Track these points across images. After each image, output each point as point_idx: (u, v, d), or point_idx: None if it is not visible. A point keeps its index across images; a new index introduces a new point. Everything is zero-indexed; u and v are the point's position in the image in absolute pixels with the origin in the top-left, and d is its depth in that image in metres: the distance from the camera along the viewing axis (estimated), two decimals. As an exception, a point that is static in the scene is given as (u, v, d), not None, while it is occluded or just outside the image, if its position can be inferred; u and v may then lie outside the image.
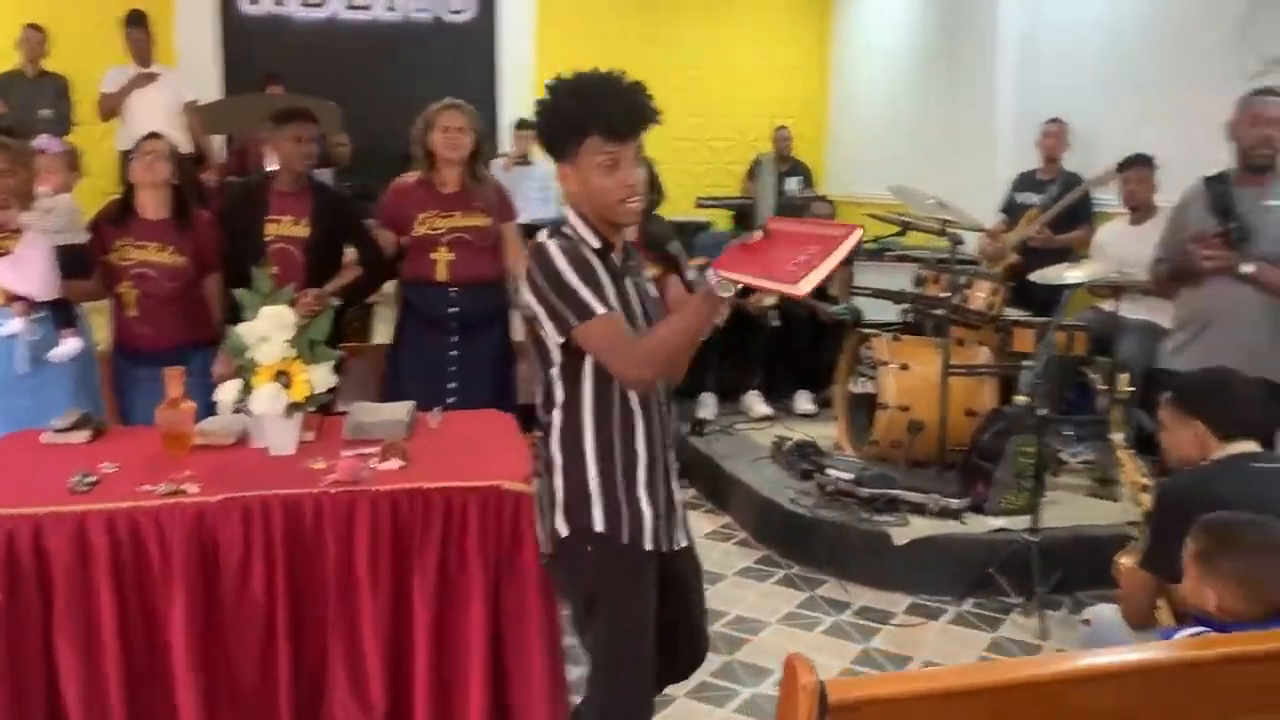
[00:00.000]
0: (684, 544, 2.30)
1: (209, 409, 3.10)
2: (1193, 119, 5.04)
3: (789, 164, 8.45)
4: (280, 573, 2.60)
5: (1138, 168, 5.00)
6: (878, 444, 4.69)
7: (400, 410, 3.31)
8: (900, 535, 4.05)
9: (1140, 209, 4.96)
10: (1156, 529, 2.29)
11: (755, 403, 5.92)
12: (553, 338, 2.11)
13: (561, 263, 2.06)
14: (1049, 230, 5.62)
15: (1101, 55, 5.88)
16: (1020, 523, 4.12)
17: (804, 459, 4.77)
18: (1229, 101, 4.91)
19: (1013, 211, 5.93)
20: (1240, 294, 3.45)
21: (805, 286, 1.77)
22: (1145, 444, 4.58)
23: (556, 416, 2.17)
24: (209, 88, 7.53)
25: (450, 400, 3.76)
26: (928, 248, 6.13)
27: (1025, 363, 3.95)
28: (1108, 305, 4.91)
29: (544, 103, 2.08)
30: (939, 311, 4.82)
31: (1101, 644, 2.48)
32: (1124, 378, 3.23)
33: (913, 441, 4.62)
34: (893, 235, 5.57)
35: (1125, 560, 2.69)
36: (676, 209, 8.31)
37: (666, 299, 2.37)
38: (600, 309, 2.03)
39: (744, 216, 7.70)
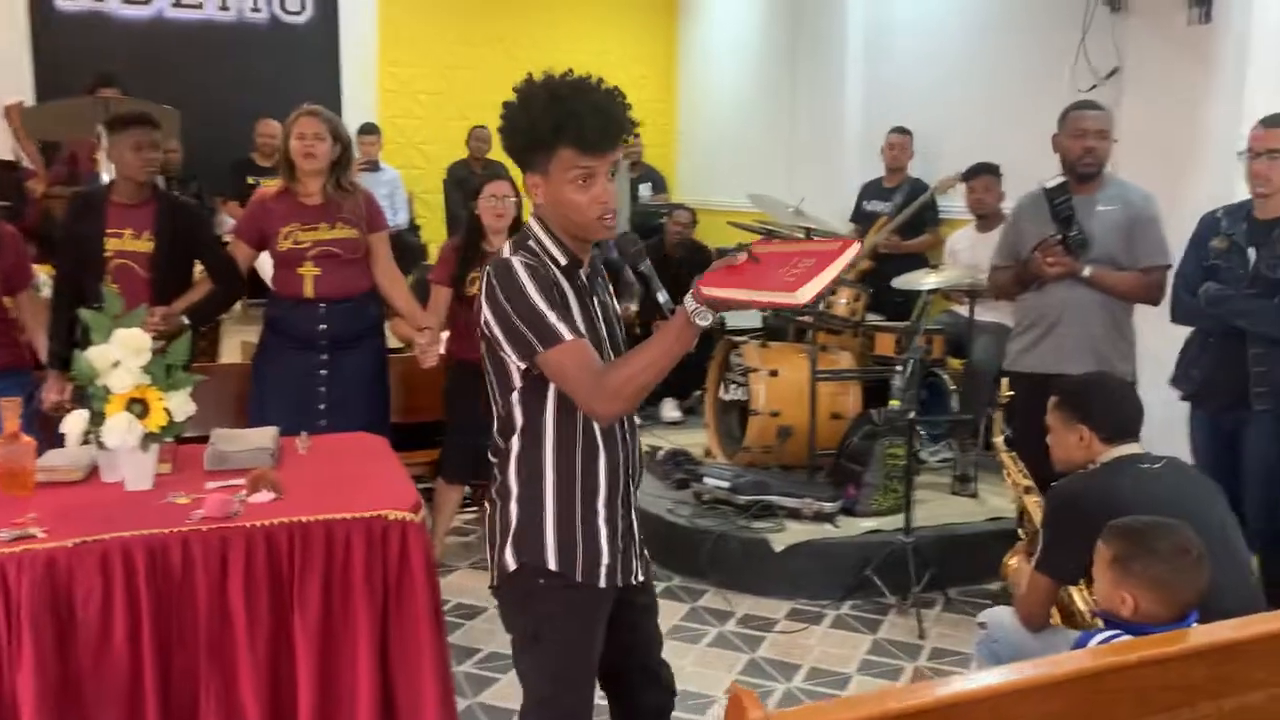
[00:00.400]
0: (642, 578, 2.18)
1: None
2: (1033, 128, 5.26)
3: (640, 170, 8.45)
4: (146, 623, 2.37)
5: (983, 176, 5.19)
6: (749, 450, 4.71)
7: (265, 436, 3.10)
8: (779, 541, 4.07)
9: (988, 216, 5.14)
10: (1053, 533, 2.35)
11: (619, 413, 5.87)
12: (514, 361, 1.97)
13: (527, 283, 1.91)
14: (898, 237, 5.78)
15: (947, 65, 6.09)
16: (890, 523, 4.21)
17: (678, 468, 4.75)
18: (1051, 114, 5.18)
19: (862, 219, 6.08)
20: (1080, 295, 3.64)
21: (805, 294, 1.66)
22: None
23: (514, 443, 2.04)
24: (20, 89, 6.97)
25: (321, 423, 3.55)
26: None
27: (896, 367, 4.02)
28: (962, 309, 5.07)
29: (512, 108, 1.94)
30: (804, 318, 4.89)
31: (1001, 647, 2.53)
32: (1004, 382, 3.31)
33: (783, 446, 4.66)
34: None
35: (1013, 561, 2.76)
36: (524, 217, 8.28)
37: None
38: (568, 335, 1.89)
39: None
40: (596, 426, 2.02)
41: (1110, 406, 2.44)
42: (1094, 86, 4.98)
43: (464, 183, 6.58)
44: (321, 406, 3.70)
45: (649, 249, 6.47)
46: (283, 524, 2.52)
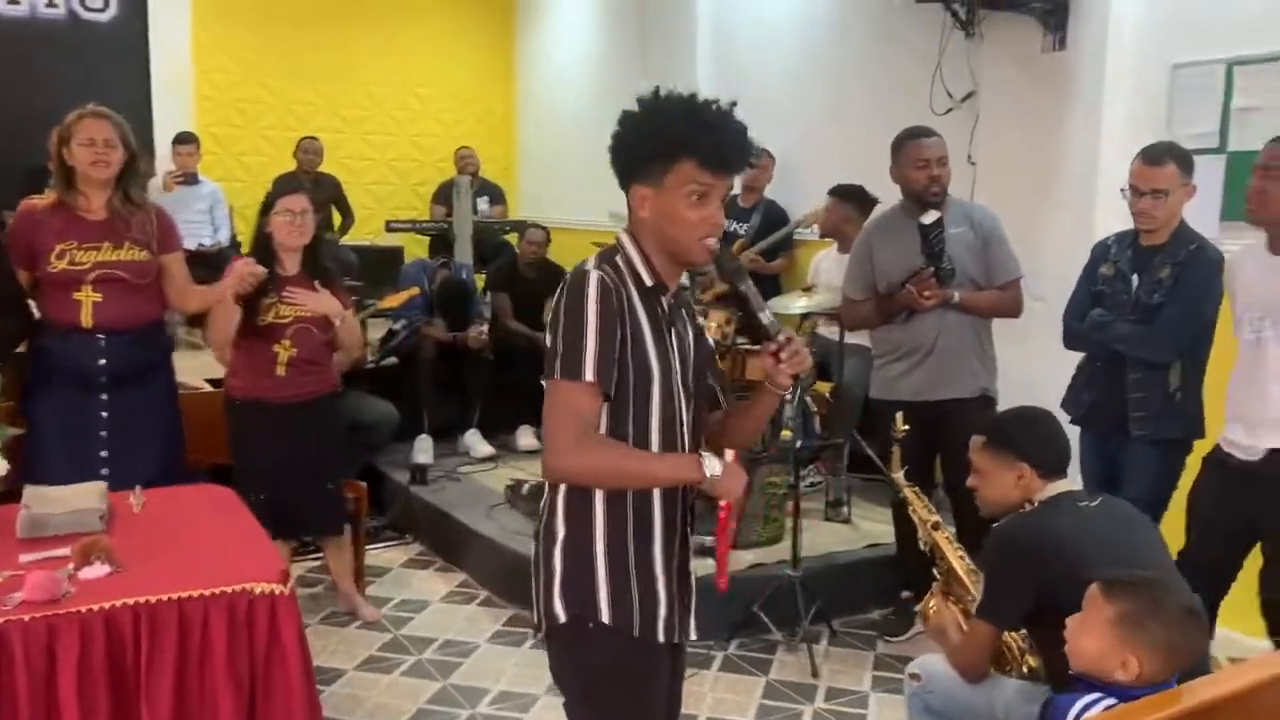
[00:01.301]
0: (693, 635, 2.02)
1: None
2: (888, 151, 5.29)
3: (477, 184, 8.12)
4: (-48, 739, 1.95)
5: (849, 204, 5.12)
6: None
7: (91, 495, 2.68)
8: (662, 581, 3.84)
9: (847, 240, 5.08)
10: (996, 578, 2.22)
11: (476, 442, 5.57)
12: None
13: (592, 305, 1.76)
14: (761, 259, 5.70)
15: (802, 87, 6.06)
16: (771, 554, 4.08)
17: (544, 504, 4.47)
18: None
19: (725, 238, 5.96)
20: (950, 320, 3.66)
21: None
22: (864, 464, 4.75)
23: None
24: None
25: (103, 473, 3.10)
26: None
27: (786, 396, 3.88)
28: (825, 331, 5.01)
29: (640, 113, 1.83)
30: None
31: (936, 699, 2.39)
32: (899, 416, 3.20)
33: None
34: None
35: (932, 604, 2.63)
36: (364, 232, 7.82)
37: None
38: (590, 376, 1.74)
39: (442, 241, 7.27)
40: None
41: (1046, 441, 2.35)
42: (950, 110, 5.02)
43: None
44: (103, 454, 3.23)
45: (497, 269, 6.23)
46: (125, 605, 2.14)
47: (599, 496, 1.83)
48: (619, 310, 1.77)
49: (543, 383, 1.80)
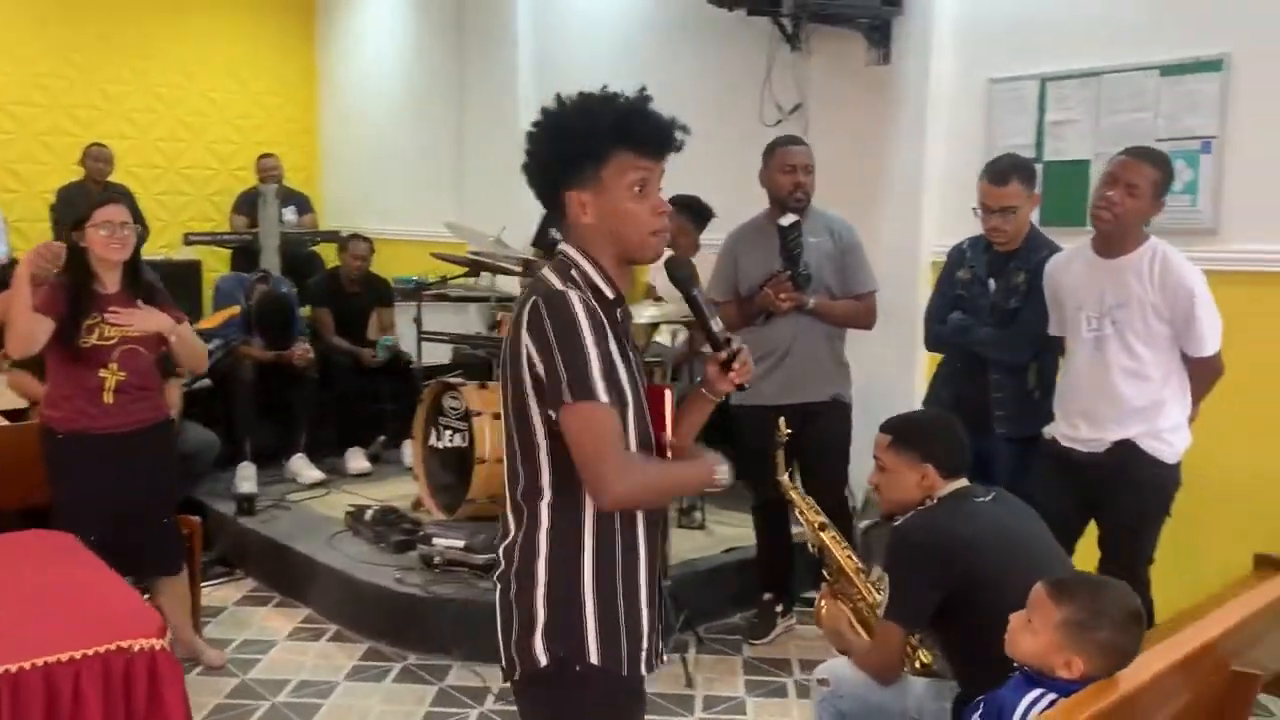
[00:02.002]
0: (664, 659, 1.96)
1: None
2: (723, 162, 5.37)
3: (282, 193, 7.71)
4: None
5: (675, 210, 5.16)
6: (474, 501, 4.33)
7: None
8: (531, 602, 3.74)
9: (683, 251, 5.13)
10: (904, 579, 2.25)
11: (303, 467, 5.26)
12: (537, 410, 1.69)
13: (583, 322, 1.65)
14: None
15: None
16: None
17: (393, 528, 4.28)
18: (751, 145, 5.30)
19: (546, 244, 5.88)
20: (806, 326, 3.76)
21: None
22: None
23: (543, 511, 1.72)
24: None
25: None
26: (462, 286, 5.78)
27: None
28: (664, 339, 5.02)
29: (552, 122, 1.73)
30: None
31: (848, 703, 2.41)
32: (781, 421, 3.24)
33: (510, 495, 4.33)
34: (461, 276, 5.22)
35: (825, 606, 2.66)
36: (155, 246, 7.26)
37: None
38: (604, 396, 1.65)
39: (245, 254, 6.85)
40: None
41: (948, 442, 2.41)
42: (779, 122, 5.14)
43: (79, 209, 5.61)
44: None
45: (318, 284, 5.91)
46: (-19, 679, 1.86)
47: (588, 531, 1.72)
48: (603, 330, 1.68)
49: (550, 413, 1.66)
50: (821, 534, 2.79)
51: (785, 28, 5.03)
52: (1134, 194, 2.93)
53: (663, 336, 4.72)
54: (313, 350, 5.32)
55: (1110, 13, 4.07)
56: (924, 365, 4.40)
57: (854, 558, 2.67)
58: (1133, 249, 2.99)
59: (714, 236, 5.18)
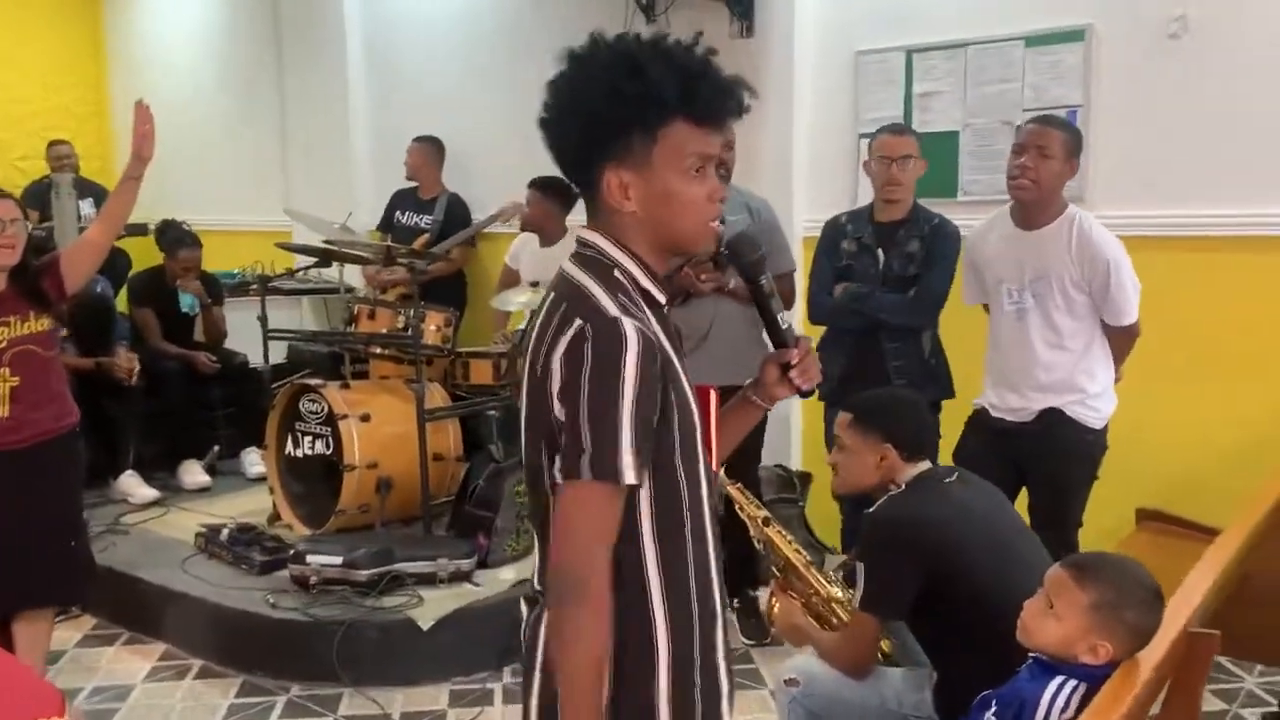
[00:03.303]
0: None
1: None
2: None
3: (79, 184, 6.96)
4: None
5: (532, 191, 4.92)
6: (345, 513, 4.00)
7: None
8: (425, 616, 3.46)
9: (546, 233, 4.90)
10: (880, 568, 2.14)
11: (135, 485, 4.77)
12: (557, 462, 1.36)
13: (630, 375, 1.32)
14: (456, 255, 5.38)
15: (473, 70, 5.75)
16: (530, 568, 3.81)
17: (255, 547, 3.89)
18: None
19: (398, 232, 5.53)
20: (726, 307, 3.62)
21: None
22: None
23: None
24: None
25: None
26: (278, 274, 5.32)
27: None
28: (527, 324, 4.79)
29: (592, 67, 1.39)
30: (382, 350, 4.30)
31: (818, 702, 2.30)
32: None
33: (384, 502, 4.02)
34: (311, 267, 4.81)
35: (777, 604, 2.53)
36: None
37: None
38: (630, 477, 1.33)
39: (41, 253, 6.12)
40: (708, 521, 1.47)
41: (912, 423, 2.32)
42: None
43: None
44: None
45: (142, 282, 5.31)
46: None
47: (658, 606, 1.40)
48: (660, 371, 1.37)
49: (556, 476, 1.35)
50: (766, 529, 2.65)
51: (640, -2, 4.89)
52: (1046, 155, 2.94)
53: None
54: (137, 356, 4.80)
55: (976, -17, 4.12)
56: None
57: (802, 550, 2.56)
58: (1052, 220, 3.01)
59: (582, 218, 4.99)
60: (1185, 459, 3.72)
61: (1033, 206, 3.02)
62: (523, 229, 4.94)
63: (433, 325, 4.21)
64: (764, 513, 2.68)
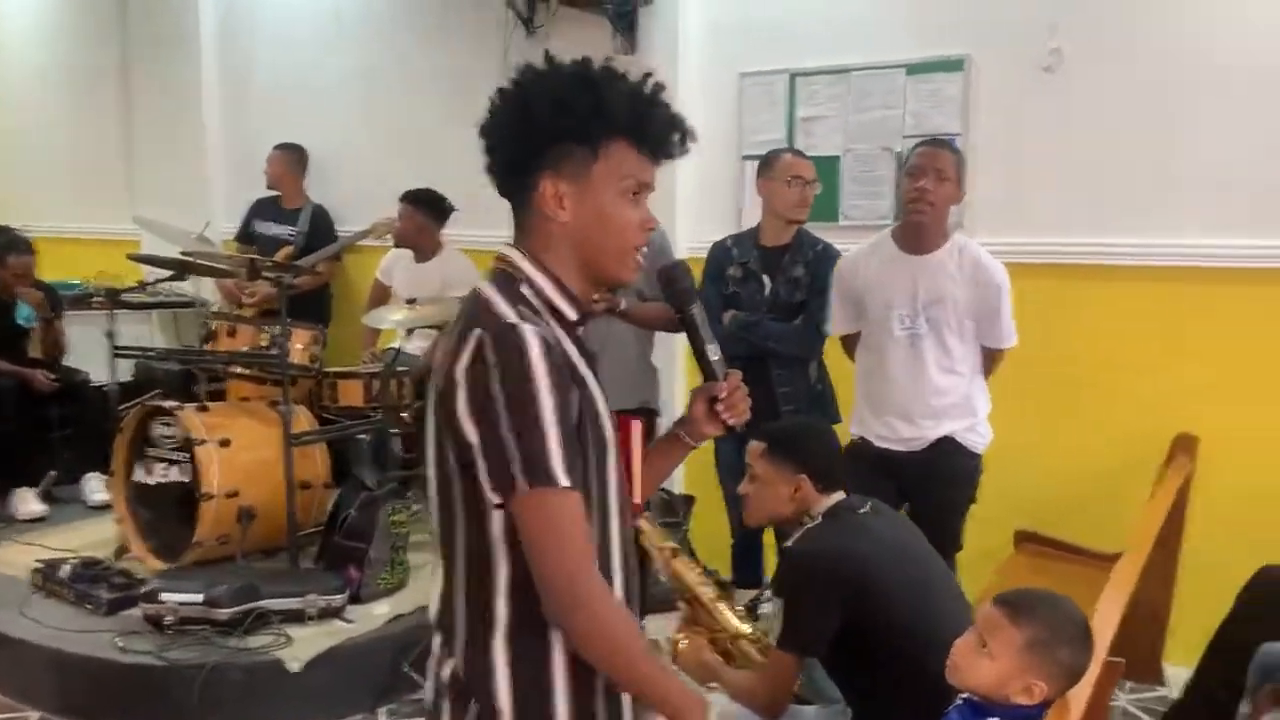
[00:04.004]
0: None
1: None
2: (457, 154, 4.98)
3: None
4: None
5: (404, 205, 4.74)
6: (202, 545, 3.71)
7: None
8: (295, 657, 3.23)
9: (420, 249, 4.71)
10: (802, 604, 2.07)
11: (-42, 517, 4.32)
12: (485, 482, 1.31)
13: (541, 379, 1.29)
14: (327, 265, 5.12)
15: (340, 77, 5.51)
16: (407, 601, 3.63)
17: (102, 584, 3.56)
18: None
19: (259, 243, 5.23)
20: (616, 329, 3.53)
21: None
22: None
23: (499, 609, 1.34)
24: None
25: None
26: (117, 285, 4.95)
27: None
28: (414, 348, 4.58)
29: (547, 79, 1.40)
30: (243, 370, 4.04)
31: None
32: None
33: (245, 533, 3.75)
34: (166, 280, 4.47)
35: (684, 638, 2.43)
36: None
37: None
38: (564, 479, 1.29)
39: None
40: (616, 553, 1.42)
41: (826, 453, 2.26)
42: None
43: None
44: None
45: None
46: None
47: (558, 651, 1.35)
48: (567, 374, 1.33)
49: (491, 497, 1.31)
50: (674, 561, 2.56)
51: (520, 10, 4.77)
52: (943, 178, 2.96)
53: (413, 345, 4.28)
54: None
55: (858, 11, 4.15)
56: (684, 364, 4.30)
57: (709, 584, 2.47)
58: (940, 244, 3.02)
59: (460, 232, 4.82)
60: (1058, 481, 3.81)
61: (925, 230, 3.03)
62: (395, 244, 4.74)
63: (299, 343, 3.97)
64: (671, 545, 2.58)
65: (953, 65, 3.95)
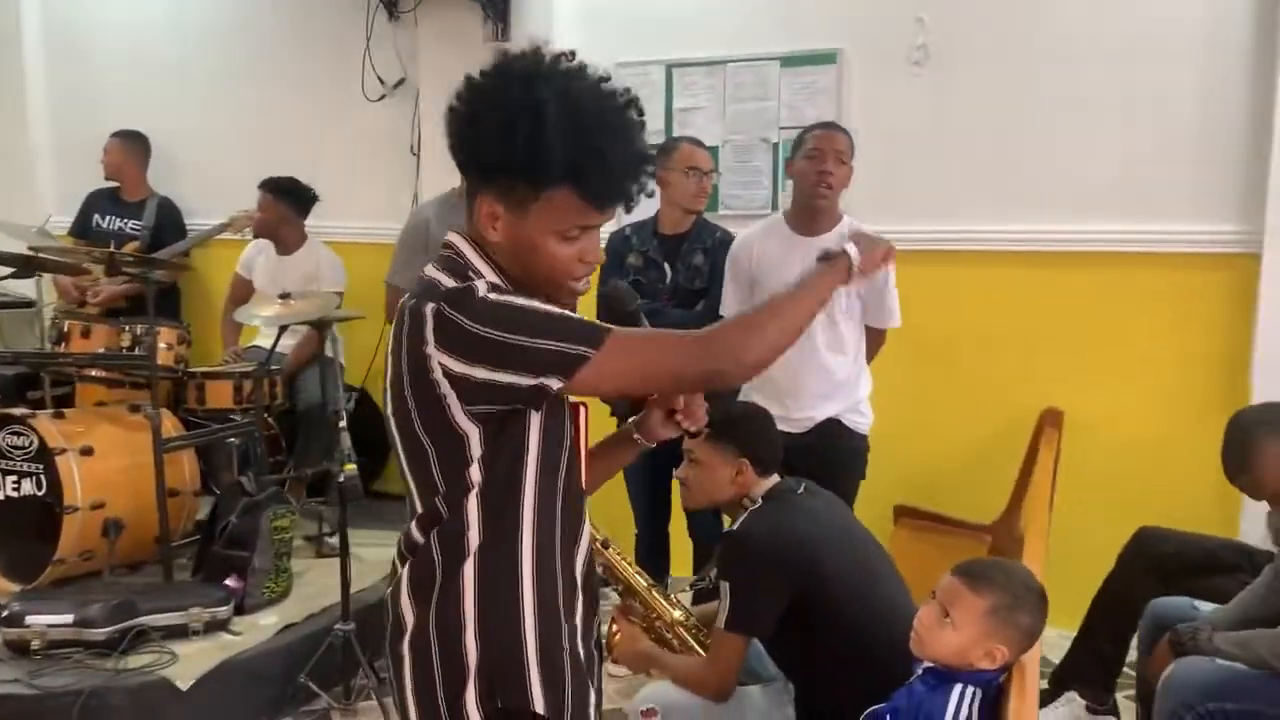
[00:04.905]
0: None
1: None
2: (321, 140, 4.81)
3: None
4: None
5: (264, 194, 4.52)
6: (65, 562, 3.44)
7: None
8: (184, 675, 3.02)
9: (285, 242, 4.50)
10: (748, 586, 2.08)
11: None
12: (464, 419, 1.33)
13: (512, 297, 1.34)
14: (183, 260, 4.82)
15: (185, 62, 5.19)
16: (295, 611, 3.48)
17: (-47, 611, 3.25)
18: (353, 120, 4.84)
19: (98, 236, 4.88)
20: None
21: None
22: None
23: (471, 540, 1.37)
24: None
25: None
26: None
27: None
28: (264, 341, 4.38)
29: (488, 101, 1.33)
30: (96, 373, 3.76)
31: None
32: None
33: (113, 546, 3.50)
34: (8, 277, 4.09)
35: (619, 629, 2.41)
36: None
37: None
38: (606, 328, 1.34)
39: None
40: (583, 501, 1.48)
41: (765, 437, 2.28)
42: (383, 97, 4.72)
43: None
44: None
45: None
46: None
47: (527, 556, 1.39)
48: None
49: (550, 385, 1.32)
50: (606, 551, 2.53)
51: (383, -6, 4.63)
52: (842, 161, 3.05)
53: (284, 343, 4.08)
54: None
55: (732, 4, 4.21)
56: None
57: (642, 573, 2.46)
58: (832, 226, 3.10)
59: (323, 224, 4.64)
60: (933, 458, 3.98)
61: (821, 213, 3.10)
62: (255, 235, 4.51)
63: (163, 343, 3.72)
64: (603, 535, 2.56)
65: (826, 58, 4.06)
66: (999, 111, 3.84)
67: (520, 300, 1.33)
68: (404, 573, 1.42)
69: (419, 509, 1.41)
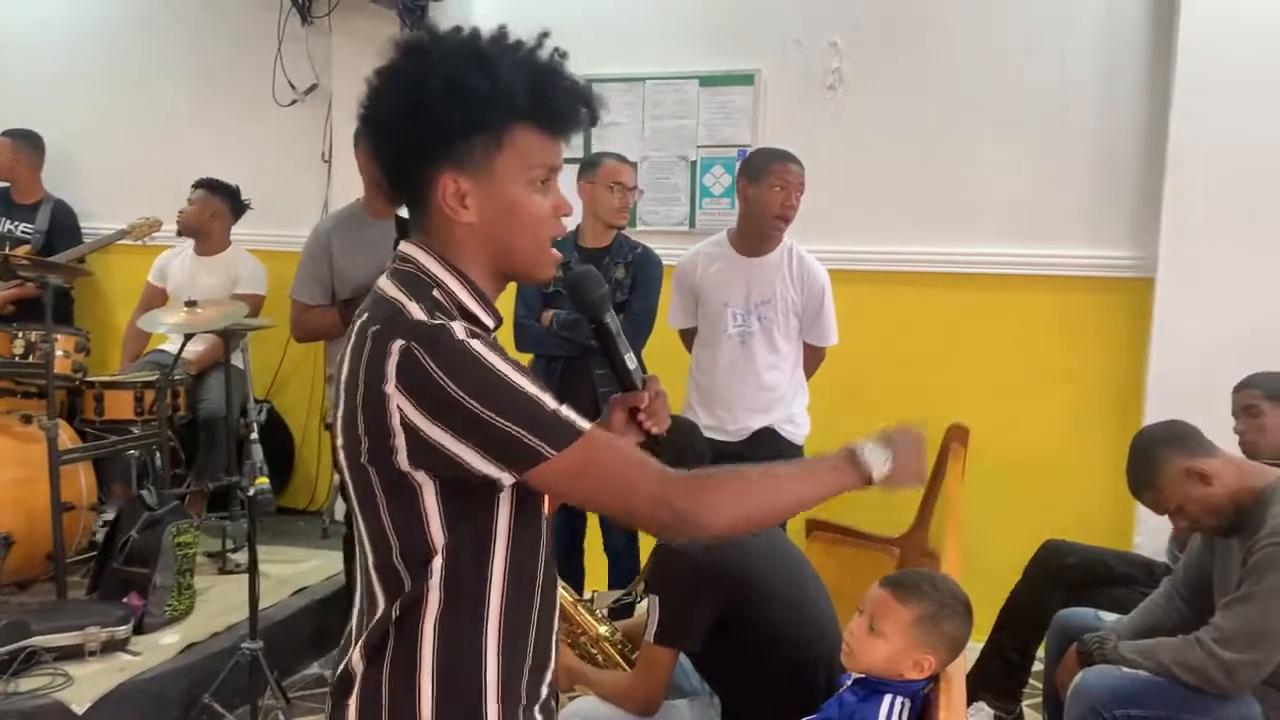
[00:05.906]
0: None
1: None
2: (231, 145, 4.68)
3: None
4: None
5: (200, 190, 4.39)
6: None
7: None
8: (79, 697, 2.89)
9: (209, 238, 4.38)
10: (676, 599, 2.07)
11: None
12: (473, 469, 1.19)
13: (493, 359, 1.20)
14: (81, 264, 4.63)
15: (89, 67, 5.00)
16: (198, 629, 3.37)
17: None
18: (263, 126, 4.74)
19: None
20: None
21: None
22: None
23: (429, 607, 1.23)
24: None
25: None
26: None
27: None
28: (170, 346, 4.23)
29: (431, 61, 1.23)
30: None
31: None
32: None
33: (2, 564, 3.34)
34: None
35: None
36: None
37: None
38: (581, 423, 1.22)
39: None
40: (542, 572, 1.32)
41: (697, 449, 2.28)
42: (294, 102, 4.62)
43: None
44: None
45: None
46: None
47: (492, 631, 1.26)
48: (507, 355, 1.25)
49: (502, 477, 1.21)
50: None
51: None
52: (801, 191, 3.12)
53: (189, 350, 3.95)
54: None
55: (652, 21, 4.25)
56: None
57: (568, 589, 2.44)
58: (774, 248, 3.19)
59: (252, 231, 4.52)
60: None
61: (773, 239, 3.19)
62: (179, 232, 4.37)
63: (60, 350, 3.57)
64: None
65: (744, 79, 4.13)
66: (907, 136, 3.95)
67: (499, 364, 1.20)
68: (353, 622, 1.32)
69: (370, 557, 1.28)
